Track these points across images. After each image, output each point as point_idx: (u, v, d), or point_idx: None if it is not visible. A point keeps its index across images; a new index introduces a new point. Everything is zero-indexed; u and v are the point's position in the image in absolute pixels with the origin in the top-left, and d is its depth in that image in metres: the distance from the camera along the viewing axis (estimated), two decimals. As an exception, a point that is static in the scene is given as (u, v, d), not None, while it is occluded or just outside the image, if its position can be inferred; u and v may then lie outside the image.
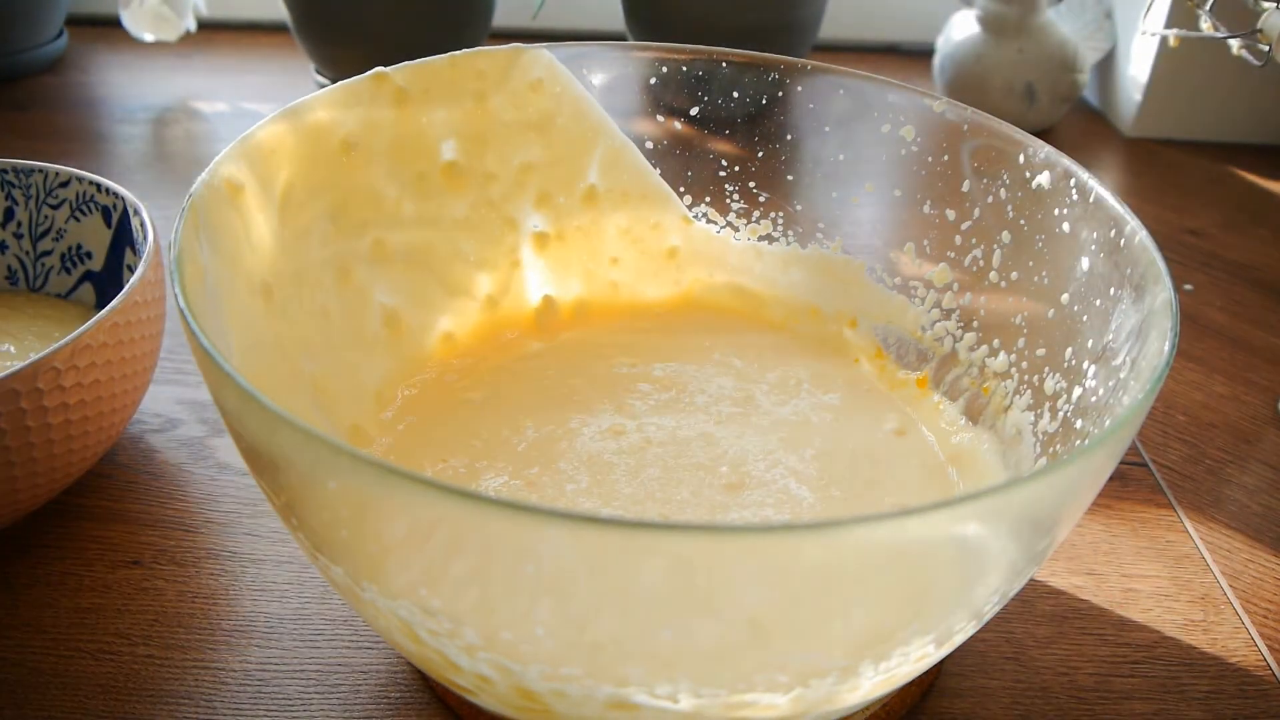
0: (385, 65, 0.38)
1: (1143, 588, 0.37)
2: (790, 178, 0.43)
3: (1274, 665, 0.35)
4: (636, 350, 0.42)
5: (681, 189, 0.44)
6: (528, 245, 0.43)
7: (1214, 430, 0.46)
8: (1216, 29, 0.52)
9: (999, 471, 0.36)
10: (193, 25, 0.76)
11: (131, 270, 0.41)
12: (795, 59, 0.41)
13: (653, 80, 0.43)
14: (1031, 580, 0.37)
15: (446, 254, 0.41)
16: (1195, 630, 0.36)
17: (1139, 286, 0.30)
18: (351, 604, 0.27)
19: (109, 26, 0.81)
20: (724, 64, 0.42)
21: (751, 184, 0.44)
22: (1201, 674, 0.34)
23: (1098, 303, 0.32)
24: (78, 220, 0.43)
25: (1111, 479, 0.41)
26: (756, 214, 0.44)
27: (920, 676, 0.33)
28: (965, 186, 0.39)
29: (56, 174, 0.43)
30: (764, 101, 0.42)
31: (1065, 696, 0.33)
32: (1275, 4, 0.48)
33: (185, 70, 0.79)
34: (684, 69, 0.43)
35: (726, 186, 0.44)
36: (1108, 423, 0.28)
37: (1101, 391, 0.31)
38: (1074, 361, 0.33)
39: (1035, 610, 0.36)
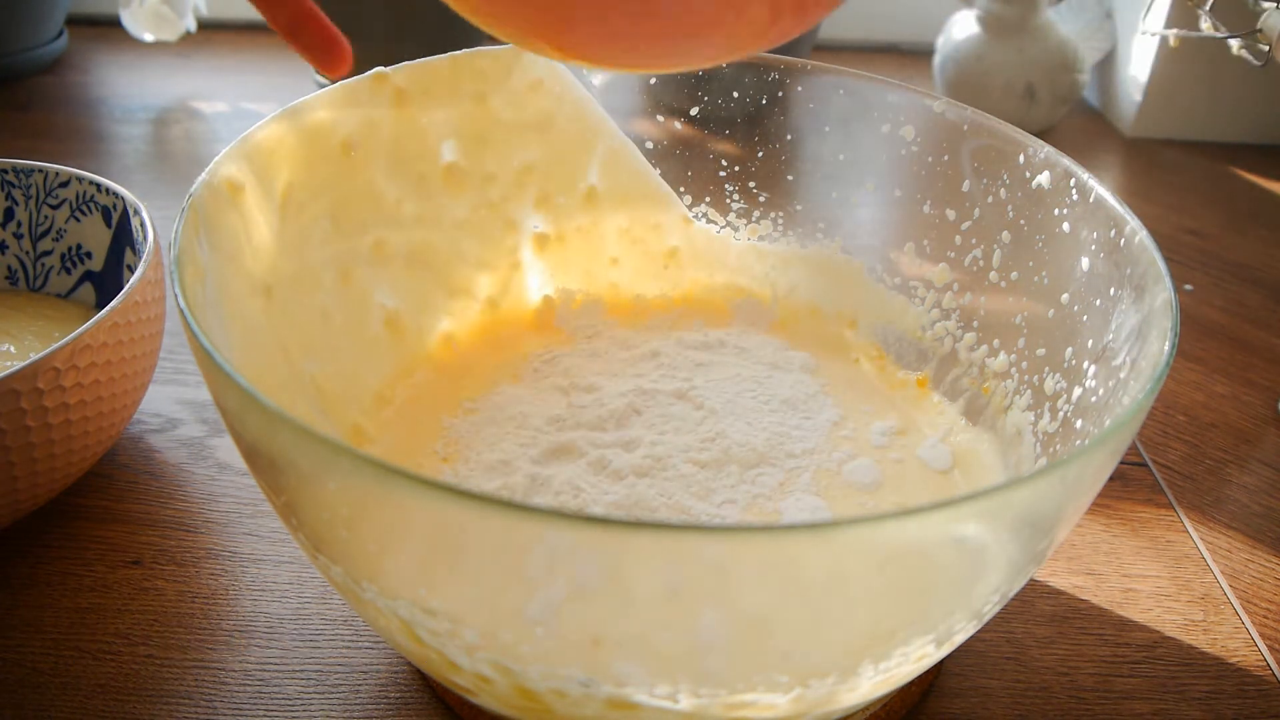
0: (385, 65, 0.38)
1: (1143, 588, 0.37)
2: (790, 178, 0.43)
3: (1274, 665, 0.35)
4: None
5: (681, 189, 0.44)
6: (528, 246, 0.43)
7: (1214, 430, 0.46)
8: (1216, 29, 0.52)
9: (999, 471, 0.36)
10: (193, 25, 0.76)
11: (131, 270, 0.41)
12: (795, 59, 0.41)
13: (653, 80, 0.43)
14: (1031, 580, 0.37)
15: (447, 255, 0.41)
16: (1195, 630, 0.36)
17: (1139, 286, 0.30)
18: (351, 604, 0.27)
19: (109, 26, 0.81)
20: (724, 64, 0.42)
21: (751, 184, 0.44)
22: (1201, 674, 0.34)
23: (1098, 303, 0.32)
24: (78, 220, 0.43)
25: (1111, 479, 0.41)
26: (756, 214, 0.44)
27: (920, 676, 0.33)
28: (965, 186, 0.39)
29: (56, 174, 0.43)
30: (764, 101, 0.42)
31: (1065, 696, 0.33)
32: (1275, 4, 0.48)
33: (185, 70, 0.79)
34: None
35: (726, 186, 0.44)
36: (1108, 423, 0.28)
37: (1101, 391, 0.31)
38: (1074, 361, 0.33)
39: (1035, 610, 0.36)
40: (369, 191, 0.38)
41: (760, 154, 0.43)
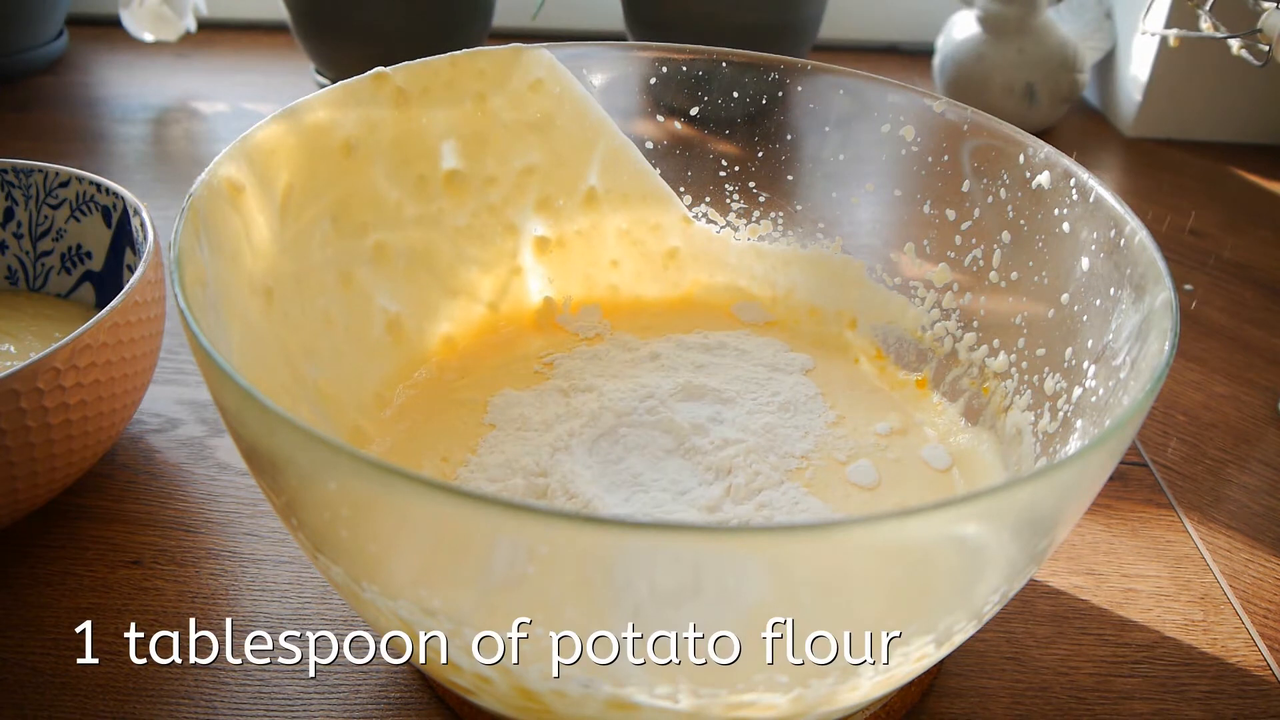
0: (385, 65, 0.38)
1: (1143, 588, 0.37)
2: (790, 178, 0.43)
3: (1274, 665, 0.35)
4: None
5: (681, 189, 0.44)
6: (528, 250, 0.43)
7: (1214, 430, 0.46)
8: (1216, 29, 0.52)
9: (999, 471, 0.36)
10: (193, 25, 0.76)
11: (131, 270, 0.41)
12: (795, 59, 0.41)
13: (653, 80, 0.43)
14: (1031, 580, 0.37)
15: (448, 257, 0.41)
16: (1195, 630, 0.36)
17: (1139, 286, 0.30)
18: (351, 604, 0.27)
19: (109, 26, 0.81)
20: (724, 64, 0.42)
21: (751, 184, 0.44)
22: (1201, 674, 0.34)
23: (1098, 303, 0.32)
24: (78, 220, 0.43)
25: (1111, 479, 0.41)
26: (756, 214, 0.44)
27: (920, 676, 0.33)
28: (965, 186, 0.39)
29: (56, 174, 0.43)
30: (764, 101, 0.42)
31: (1065, 696, 0.33)
32: (1275, 4, 0.48)
33: (185, 70, 0.79)
34: (684, 69, 0.43)
35: (726, 186, 0.44)
36: (1108, 423, 0.28)
37: (1101, 391, 0.31)
38: (1074, 361, 0.33)
39: (1035, 610, 0.36)
40: (369, 193, 0.38)
41: (760, 154, 0.43)
